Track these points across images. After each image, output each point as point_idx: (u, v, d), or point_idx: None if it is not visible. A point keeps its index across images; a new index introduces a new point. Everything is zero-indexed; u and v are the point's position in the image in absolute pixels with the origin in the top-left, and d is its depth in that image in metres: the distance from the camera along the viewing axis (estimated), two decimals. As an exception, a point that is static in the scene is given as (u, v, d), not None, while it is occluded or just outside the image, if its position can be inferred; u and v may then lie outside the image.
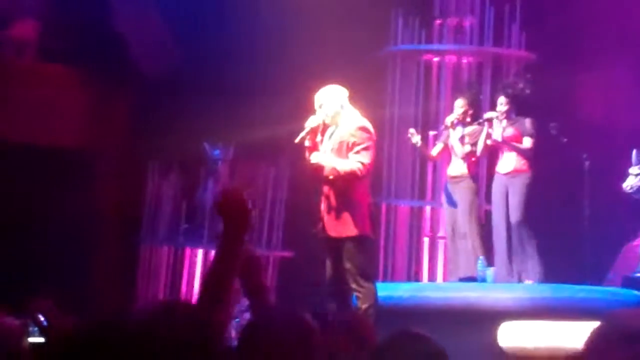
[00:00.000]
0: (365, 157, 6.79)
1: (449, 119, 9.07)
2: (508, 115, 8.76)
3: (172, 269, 10.71)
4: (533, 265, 8.55)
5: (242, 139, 10.62)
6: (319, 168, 6.80)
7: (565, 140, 9.17)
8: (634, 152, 9.22)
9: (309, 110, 7.18)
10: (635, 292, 8.14)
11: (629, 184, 9.19)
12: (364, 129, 6.91)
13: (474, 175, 8.99)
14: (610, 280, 9.41)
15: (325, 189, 6.88)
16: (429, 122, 10.85)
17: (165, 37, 10.95)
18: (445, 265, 9.43)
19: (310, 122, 6.96)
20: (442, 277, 10.08)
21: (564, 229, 9.75)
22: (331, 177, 6.76)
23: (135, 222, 10.74)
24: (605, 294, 8.14)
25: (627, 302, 7.87)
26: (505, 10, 11.04)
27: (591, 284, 8.88)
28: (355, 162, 6.74)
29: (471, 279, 8.76)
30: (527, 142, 8.66)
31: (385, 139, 10.93)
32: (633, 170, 9.17)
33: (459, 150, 8.94)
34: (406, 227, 10.98)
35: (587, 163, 9.52)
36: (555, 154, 9.29)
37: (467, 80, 10.78)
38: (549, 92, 9.70)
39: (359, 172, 6.76)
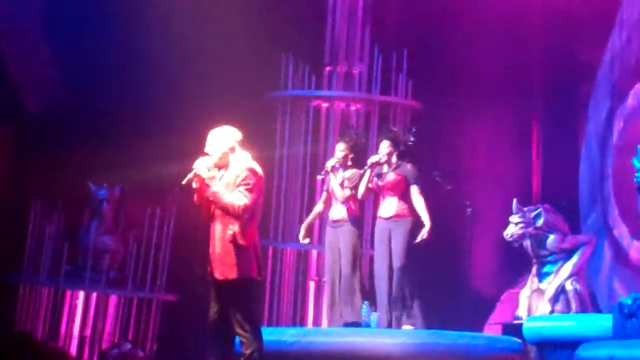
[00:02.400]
0: (247, 197, 6.76)
1: (329, 163, 9.14)
2: (390, 160, 8.86)
3: (52, 310, 10.48)
4: (413, 311, 8.62)
5: (129, 179, 10.52)
6: (205, 196, 6.76)
7: (449, 187, 9.33)
8: (515, 201, 9.42)
9: (198, 150, 7.15)
10: (515, 339, 8.28)
11: (509, 232, 9.36)
12: (251, 170, 6.88)
13: (354, 219, 9.05)
14: (491, 326, 9.58)
15: (212, 229, 6.83)
16: (317, 167, 10.95)
17: (52, 74, 10.80)
18: (329, 310, 9.43)
19: (198, 164, 6.91)
20: (327, 322, 10.09)
21: (445, 275, 9.90)
22: (223, 217, 6.72)
23: (16, 261, 10.49)
24: (486, 340, 8.25)
25: (507, 349, 8.01)
26: (393, 60, 11.25)
27: (472, 330, 9.01)
28: (242, 201, 6.73)
29: (355, 324, 8.79)
30: (414, 191, 8.75)
31: (273, 181, 10.99)
32: (513, 218, 9.36)
33: (339, 194, 8.99)
34: (292, 270, 11.01)
35: (469, 210, 9.72)
36: (439, 201, 9.44)
37: (349, 125, 10.93)
38: (434, 140, 9.89)
39: (236, 208, 6.72)
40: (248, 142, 7.38)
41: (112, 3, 10.91)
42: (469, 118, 11.38)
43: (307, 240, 9.31)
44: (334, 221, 9.07)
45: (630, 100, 11.33)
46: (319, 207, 9.41)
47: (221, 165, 6.92)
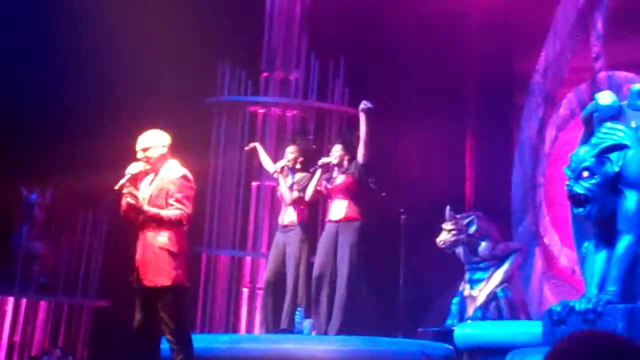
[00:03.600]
0: (187, 206, 6.74)
1: (279, 164, 9.12)
2: (341, 162, 8.85)
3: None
4: (351, 317, 8.60)
5: (61, 183, 10.39)
6: (144, 218, 6.69)
7: (384, 194, 9.35)
8: (447, 207, 9.50)
9: (131, 155, 7.09)
10: (446, 345, 8.34)
11: (442, 239, 9.43)
12: (185, 177, 6.85)
13: (304, 224, 9.01)
14: (423, 332, 9.62)
15: (142, 236, 6.77)
16: (252, 173, 10.94)
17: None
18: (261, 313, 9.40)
19: (132, 169, 6.85)
20: (260, 328, 10.06)
21: (380, 282, 9.92)
22: (154, 225, 6.66)
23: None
24: (418, 346, 8.29)
25: (439, 355, 8.06)
26: (330, 66, 11.28)
27: (405, 337, 9.05)
28: (179, 210, 6.68)
29: (288, 331, 8.77)
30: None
31: (207, 188, 10.93)
32: (446, 225, 9.44)
33: (287, 196, 8.97)
34: (226, 277, 10.97)
35: (403, 217, 9.75)
36: (374, 207, 9.46)
37: (301, 129, 10.92)
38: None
39: (184, 221, 6.71)
40: (183, 147, 7.34)
41: (46, 3, 10.77)
42: (403, 125, 11.44)
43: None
44: (284, 226, 9.03)
45: (563, 110, 11.49)
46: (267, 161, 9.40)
47: (151, 171, 6.87)
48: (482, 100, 12.32)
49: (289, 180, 9.01)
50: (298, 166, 9.07)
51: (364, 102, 8.73)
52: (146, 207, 6.64)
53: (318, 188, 8.82)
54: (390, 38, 11.74)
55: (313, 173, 8.82)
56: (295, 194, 8.92)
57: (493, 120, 12.20)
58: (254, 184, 11.06)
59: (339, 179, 8.77)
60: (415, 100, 11.58)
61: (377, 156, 9.22)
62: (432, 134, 11.47)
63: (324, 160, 8.82)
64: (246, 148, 9.63)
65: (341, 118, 11.26)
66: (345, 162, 8.81)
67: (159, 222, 6.67)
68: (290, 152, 9.10)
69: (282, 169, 8.98)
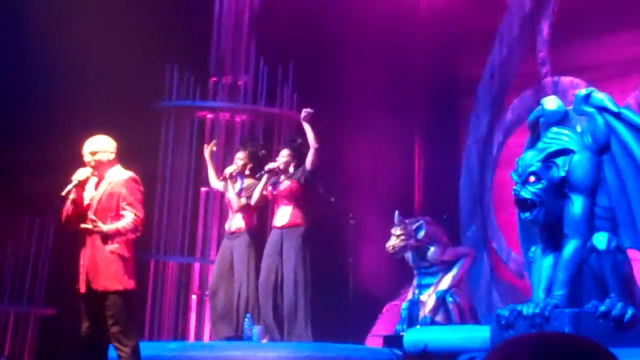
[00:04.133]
0: (140, 211, 6.70)
1: (227, 170, 9.09)
2: (287, 168, 8.85)
3: None
4: (300, 323, 8.59)
5: (6, 189, 10.25)
6: (104, 235, 6.62)
7: (333, 199, 9.36)
8: (396, 212, 9.51)
9: (77, 161, 7.02)
10: (396, 350, 8.34)
11: (391, 244, 9.43)
12: (134, 180, 6.80)
13: (251, 231, 8.98)
14: (373, 338, 9.63)
15: (89, 241, 6.70)
16: (201, 178, 10.87)
17: None
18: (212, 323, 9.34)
19: (79, 175, 6.78)
20: (209, 336, 10.01)
21: (329, 288, 9.92)
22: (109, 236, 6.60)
23: None
24: (367, 352, 8.29)
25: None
26: (279, 71, 11.26)
27: (355, 342, 9.04)
28: (132, 217, 6.63)
29: (238, 338, 8.73)
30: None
31: (156, 193, 10.85)
32: (395, 230, 9.44)
33: (235, 203, 8.94)
34: (174, 284, 10.90)
35: (352, 222, 9.76)
36: (323, 212, 9.45)
37: (251, 135, 10.89)
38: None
39: (139, 227, 6.67)
40: (131, 152, 7.28)
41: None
42: (352, 130, 11.46)
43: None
44: (231, 232, 8.99)
45: (509, 115, 11.57)
46: (216, 183, 9.36)
47: (97, 176, 6.81)
48: (430, 105, 12.38)
49: (238, 186, 8.98)
50: (247, 172, 9.05)
51: (304, 110, 8.76)
52: (105, 228, 6.58)
53: (264, 193, 8.81)
54: (339, 42, 11.75)
55: (259, 178, 8.81)
56: (244, 200, 8.90)
57: (441, 124, 12.26)
58: (203, 189, 11.00)
59: (284, 184, 8.77)
60: (364, 104, 11.60)
61: (325, 161, 9.23)
62: (380, 138, 11.50)
63: (270, 165, 8.82)
64: (207, 148, 9.57)
65: (290, 123, 11.23)
66: (292, 168, 8.81)
67: (123, 234, 6.62)
68: (240, 158, 9.08)
69: (231, 174, 8.94)
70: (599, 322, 5.85)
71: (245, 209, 8.91)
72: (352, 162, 11.35)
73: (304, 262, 8.58)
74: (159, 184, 10.96)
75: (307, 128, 8.72)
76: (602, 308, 5.86)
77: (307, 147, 8.81)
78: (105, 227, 6.57)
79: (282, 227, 8.70)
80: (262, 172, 8.79)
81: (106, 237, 6.58)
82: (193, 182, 11.06)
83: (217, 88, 11.42)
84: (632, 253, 6.33)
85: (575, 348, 1.95)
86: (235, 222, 8.96)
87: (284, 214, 8.74)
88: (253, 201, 8.85)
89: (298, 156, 8.83)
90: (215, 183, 9.38)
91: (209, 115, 11.35)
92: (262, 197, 8.87)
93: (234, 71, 11.49)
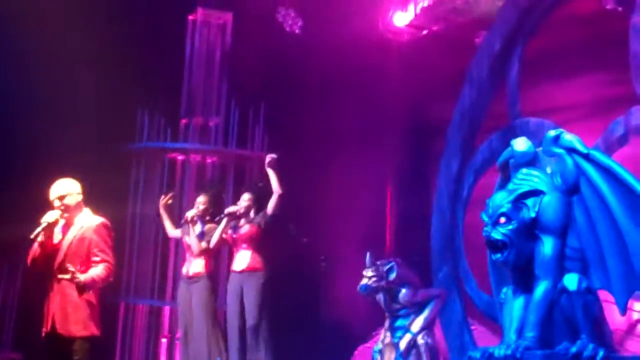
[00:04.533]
0: (111, 256, 6.71)
1: (189, 213, 9.07)
2: (248, 212, 8.85)
3: None
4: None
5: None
6: (46, 254, 6.59)
7: (305, 240, 9.35)
8: (368, 254, 9.49)
9: (46, 204, 6.98)
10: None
11: (363, 285, 9.40)
12: (105, 226, 6.80)
13: (211, 275, 8.96)
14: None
15: (57, 286, 6.65)
16: (172, 220, 10.81)
17: None
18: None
19: (48, 217, 6.76)
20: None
21: (301, 330, 9.88)
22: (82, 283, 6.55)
23: None
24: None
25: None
26: (250, 113, 11.27)
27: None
28: (105, 265, 6.62)
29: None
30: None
31: (126, 236, 10.79)
32: (367, 272, 9.42)
33: (195, 246, 8.92)
34: (144, 327, 10.82)
35: (324, 265, 9.74)
36: (295, 254, 9.44)
37: (211, 178, 10.88)
38: (290, 193, 9.89)
39: (111, 275, 6.68)
40: (101, 195, 7.26)
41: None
42: (324, 173, 11.48)
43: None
44: (189, 277, 8.95)
45: (479, 156, 11.61)
46: (174, 232, 9.31)
47: (66, 219, 6.78)
48: (402, 147, 12.42)
49: (198, 229, 8.96)
50: (208, 217, 9.05)
51: (269, 156, 8.78)
52: (82, 277, 6.54)
53: (223, 236, 8.81)
54: (311, 86, 11.81)
55: (219, 222, 8.80)
56: (204, 244, 8.88)
57: (413, 166, 12.31)
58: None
59: (245, 228, 8.78)
60: (336, 148, 11.64)
61: (297, 203, 9.22)
62: (352, 180, 11.53)
63: (230, 209, 8.83)
64: (163, 200, 9.53)
65: (261, 164, 11.21)
66: (252, 212, 8.82)
67: (93, 284, 6.59)
68: (201, 202, 9.08)
69: (192, 218, 8.93)
70: (571, 363, 5.85)
71: (205, 253, 8.89)
72: (324, 203, 11.35)
73: (264, 306, 8.57)
74: (128, 227, 10.91)
75: (271, 173, 8.73)
76: (574, 349, 5.85)
77: (270, 191, 8.81)
78: (83, 277, 6.54)
79: (242, 272, 8.70)
80: (222, 216, 8.79)
81: (83, 287, 6.54)
82: (163, 224, 10.99)
83: (188, 130, 11.41)
84: (602, 294, 6.34)
85: None
86: (194, 266, 8.94)
87: (243, 258, 8.74)
88: (212, 244, 8.85)
89: (259, 200, 8.84)
90: (172, 232, 9.38)
91: (180, 157, 11.32)
92: (221, 240, 8.88)
93: (205, 113, 11.50)
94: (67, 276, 6.51)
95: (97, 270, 6.59)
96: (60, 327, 6.60)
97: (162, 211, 9.43)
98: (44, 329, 6.69)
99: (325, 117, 11.79)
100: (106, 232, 6.75)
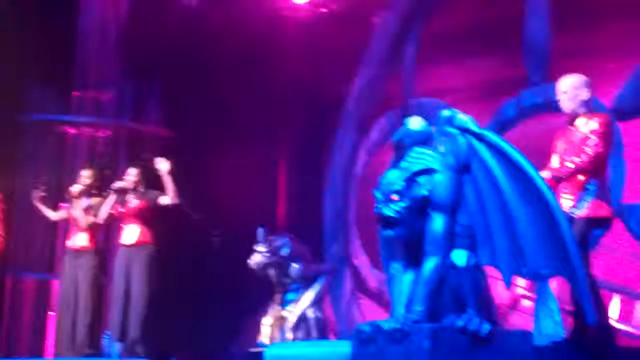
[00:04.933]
0: (1, 229, 6.57)
1: (73, 188, 8.97)
2: (137, 186, 8.80)
3: None
4: (152, 340, 8.54)
5: None
6: None
7: (197, 216, 9.32)
8: (260, 229, 9.52)
9: None
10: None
11: (255, 260, 9.43)
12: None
13: (97, 249, 8.88)
14: (235, 354, 9.60)
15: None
16: (62, 194, 10.65)
17: None
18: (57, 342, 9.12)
19: None
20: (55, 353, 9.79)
21: (194, 302, 9.88)
22: None
23: None
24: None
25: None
26: (145, 86, 11.16)
27: (217, 357, 8.99)
28: None
29: (96, 355, 8.60)
30: (164, 200, 8.70)
31: (15, 208, 10.59)
32: (259, 247, 9.45)
33: (83, 221, 8.83)
34: (32, 301, 10.66)
35: (217, 240, 9.73)
36: (187, 229, 9.41)
37: (97, 152, 10.77)
38: (184, 169, 9.84)
39: (1, 247, 6.54)
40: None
41: None
42: (218, 149, 11.43)
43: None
44: (75, 250, 8.86)
45: (374, 134, 11.72)
46: (52, 214, 9.20)
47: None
48: (296, 124, 12.45)
49: (84, 203, 8.87)
50: (93, 191, 8.96)
51: (162, 161, 8.66)
52: None
53: (111, 211, 8.75)
54: (207, 58, 11.72)
55: (107, 197, 8.74)
56: (91, 218, 8.80)
57: (307, 141, 12.34)
58: (63, 205, 10.78)
59: (133, 203, 8.72)
60: (231, 123, 11.59)
61: (189, 178, 9.18)
62: (245, 155, 11.50)
63: (119, 184, 8.77)
64: (35, 193, 9.40)
65: (155, 139, 11.15)
66: (141, 187, 8.77)
67: None
68: (86, 176, 8.99)
69: (79, 192, 8.84)
70: (457, 336, 5.94)
71: (92, 228, 8.82)
72: (217, 178, 11.30)
73: (152, 280, 8.56)
74: (18, 199, 10.70)
75: (168, 180, 8.64)
76: (460, 323, 5.95)
77: (154, 167, 8.77)
78: None
79: (131, 246, 8.66)
80: (110, 190, 8.72)
81: None
82: (54, 197, 10.82)
83: (80, 102, 11.24)
84: (489, 270, 6.47)
85: None
86: (80, 240, 8.87)
87: (131, 233, 8.69)
88: (100, 219, 8.77)
89: (146, 175, 8.80)
90: (56, 216, 9.27)
91: (71, 131, 11.15)
92: (110, 216, 8.81)
93: (99, 86, 11.33)
94: None
95: None
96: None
97: (36, 203, 9.29)
98: None
99: (220, 92, 11.73)
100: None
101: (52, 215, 9.36)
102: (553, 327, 8.96)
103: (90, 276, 8.71)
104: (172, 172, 8.85)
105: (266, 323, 9.46)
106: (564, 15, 10.30)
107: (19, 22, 10.70)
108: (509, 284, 6.30)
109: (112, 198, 8.74)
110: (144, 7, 11.63)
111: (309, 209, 11.88)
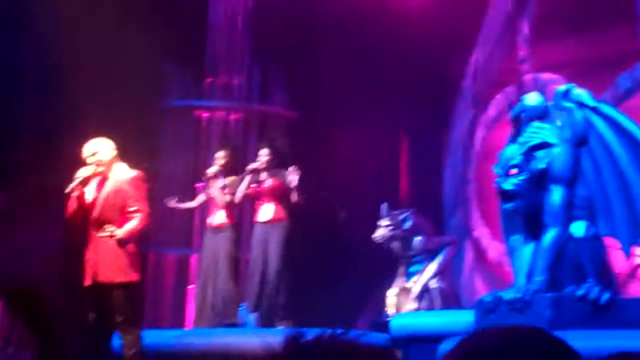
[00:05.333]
0: (146, 206, 6.72)
1: (210, 170, 9.10)
2: (269, 166, 8.86)
3: None
4: (288, 310, 8.60)
5: (17, 184, 10.19)
6: (83, 206, 6.63)
7: (325, 194, 9.37)
8: (383, 205, 9.52)
9: (79, 160, 6.99)
10: (383, 334, 8.33)
11: (379, 234, 9.42)
12: (140, 178, 6.80)
13: (234, 225, 9.00)
14: (364, 324, 9.63)
15: (95, 236, 6.68)
16: (199, 174, 10.83)
17: None
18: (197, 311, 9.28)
19: (82, 172, 6.76)
20: (195, 323, 9.97)
21: (323, 276, 9.92)
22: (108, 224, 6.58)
23: None
24: (354, 336, 8.26)
25: (375, 344, 8.04)
26: (271, 71, 11.25)
27: (347, 328, 9.01)
28: (141, 214, 6.63)
29: (234, 325, 8.73)
30: (294, 197, 8.74)
31: (155, 188, 10.80)
32: (383, 222, 9.44)
33: (221, 199, 8.94)
34: (173, 275, 10.88)
35: (343, 216, 9.77)
36: (314, 207, 9.45)
37: (229, 134, 10.90)
38: (311, 149, 9.91)
39: (147, 224, 6.70)
40: (132, 151, 7.26)
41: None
42: (342, 129, 11.44)
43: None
44: (215, 227, 9.00)
45: (491, 110, 11.57)
46: (192, 204, 9.37)
47: (102, 174, 6.79)
48: (417, 101, 12.37)
49: (220, 183, 8.99)
50: (229, 171, 9.08)
51: (294, 173, 8.66)
52: (121, 233, 6.55)
53: (247, 191, 8.83)
54: (329, 44, 11.73)
55: (242, 178, 8.82)
56: (228, 197, 8.90)
57: (426, 120, 12.25)
58: (199, 185, 10.97)
59: (268, 182, 8.79)
60: (354, 104, 11.58)
61: (316, 157, 9.22)
62: (369, 135, 11.49)
63: (252, 165, 8.84)
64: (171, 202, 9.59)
65: (282, 121, 11.23)
66: (273, 165, 8.82)
67: (132, 237, 6.62)
68: (220, 157, 9.10)
69: (215, 173, 8.95)
70: (578, 305, 5.85)
71: (229, 205, 8.93)
72: (344, 158, 11.33)
73: (287, 254, 8.61)
74: (159, 179, 10.92)
75: (294, 190, 8.67)
76: (580, 292, 5.87)
77: (285, 146, 8.84)
78: (122, 232, 6.56)
79: (266, 223, 8.73)
80: (245, 173, 8.80)
81: (123, 242, 6.57)
82: (191, 178, 11.03)
83: (212, 88, 11.39)
84: (608, 241, 6.33)
85: (541, 345, 1.91)
86: (218, 217, 8.98)
87: (267, 211, 8.76)
88: (237, 199, 8.88)
89: (278, 154, 8.85)
90: (196, 203, 9.42)
91: (205, 114, 11.33)
92: (246, 195, 8.91)
93: (229, 71, 11.47)
94: (107, 234, 6.54)
95: (133, 223, 6.61)
96: (99, 274, 6.63)
97: (174, 206, 9.47)
98: (85, 282, 6.72)
99: (342, 74, 11.73)
100: (140, 184, 6.76)
101: (192, 204, 9.52)
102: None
103: (229, 250, 8.84)
104: (299, 152, 8.89)
105: (391, 294, 9.46)
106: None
107: (155, 17, 10.88)
108: (628, 253, 6.16)
109: (247, 178, 8.83)
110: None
111: (430, 184, 11.80)
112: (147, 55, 10.46)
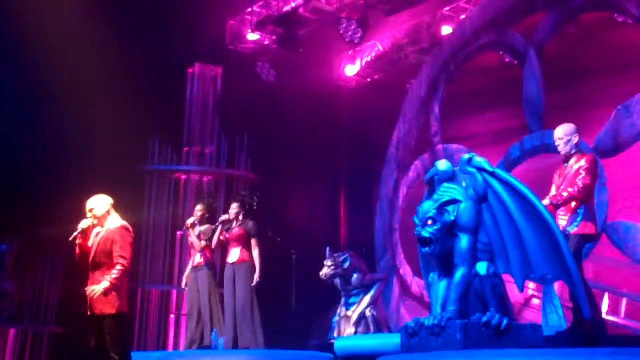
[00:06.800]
0: (128, 251, 6.64)
1: (189, 221, 9.06)
2: (237, 217, 8.85)
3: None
4: (252, 336, 8.55)
5: (26, 235, 10.04)
6: (84, 251, 6.55)
7: (279, 239, 9.36)
8: (327, 248, 9.52)
9: (80, 214, 6.93)
10: (329, 354, 8.29)
11: (324, 272, 9.42)
12: (126, 228, 6.74)
13: (210, 265, 8.95)
14: (312, 346, 9.57)
15: (92, 275, 6.61)
16: (177, 225, 10.81)
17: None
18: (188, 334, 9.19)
19: (83, 224, 6.71)
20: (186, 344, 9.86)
21: (280, 306, 9.87)
22: (103, 268, 6.49)
23: None
24: (307, 356, 8.22)
25: (322, 362, 8.02)
26: (237, 142, 11.31)
27: (297, 349, 8.96)
28: (120, 265, 6.53)
29: (207, 347, 8.64)
30: (254, 243, 8.71)
31: (142, 237, 10.74)
32: (327, 262, 9.43)
33: (197, 245, 8.91)
34: (157, 306, 10.78)
35: (294, 257, 9.75)
36: (271, 249, 9.42)
37: (206, 192, 10.90)
38: (268, 203, 9.90)
39: (127, 271, 6.60)
40: (123, 206, 7.21)
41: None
42: (293, 187, 11.53)
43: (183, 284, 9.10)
44: (194, 267, 8.96)
45: (411, 173, 11.69)
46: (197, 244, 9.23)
47: (99, 225, 6.74)
48: (351, 166, 12.49)
49: (197, 231, 8.95)
50: (204, 221, 9.06)
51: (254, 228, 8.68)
52: (102, 288, 6.45)
53: (221, 238, 8.82)
54: (282, 121, 11.84)
55: (216, 228, 8.82)
56: (204, 242, 8.87)
57: (359, 181, 12.37)
58: (178, 233, 10.95)
59: (235, 230, 8.80)
60: (302, 167, 11.68)
61: (272, 211, 9.21)
62: (315, 192, 11.58)
63: (224, 217, 8.85)
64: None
65: (246, 181, 11.27)
66: (241, 217, 8.83)
67: (114, 287, 6.51)
68: (199, 210, 9.09)
69: (193, 224, 8.93)
70: (483, 329, 5.88)
71: (204, 249, 8.90)
72: (294, 211, 11.39)
73: (251, 288, 8.59)
74: (144, 230, 10.86)
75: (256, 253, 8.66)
76: (485, 319, 5.90)
77: (251, 199, 8.85)
78: (102, 288, 6.45)
79: (234, 263, 8.72)
80: (218, 223, 8.80)
81: (110, 288, 6.47)
82: (171, 227, 11.00)
83: (189, 155, 11.42)
84: (506, 277, 6.42)
85: None
86: (197, 258, 8.96)
87: (235, 254, 8.75)
88: (213, 245, 8.87)
89: (244, 206, 8.86)
90: (199, 245, 9.25)
91: (183, 177, 11.34)
92: (219, 242, 8.88)
93: (202, 142, 11.51)
94: (92, 293, 6.45)
95: (113, 274, 6.50)
96: (96, 308, 6.55)
97: (190, 233, 9.29)
98: (83, 312, 6.61)
99: (293, 144, 11.83)
100: (125, 233, 6.68)
101: (198, 244, 9.28)
102: (557, 320, 8.83)
103: (206, 285, 8.77)
104: (258, 206, 8.87)
105: (335, 320, 9.43)
106: (553, 77, 10.23)
107: (140, 95, 10.86)
108: (521, 287, 6.23)
109: (219, 228, 8.80)
110: (234, 83, 11.82)
111: (364, 231, 11.87)
112: (136, 130, 10.45)
